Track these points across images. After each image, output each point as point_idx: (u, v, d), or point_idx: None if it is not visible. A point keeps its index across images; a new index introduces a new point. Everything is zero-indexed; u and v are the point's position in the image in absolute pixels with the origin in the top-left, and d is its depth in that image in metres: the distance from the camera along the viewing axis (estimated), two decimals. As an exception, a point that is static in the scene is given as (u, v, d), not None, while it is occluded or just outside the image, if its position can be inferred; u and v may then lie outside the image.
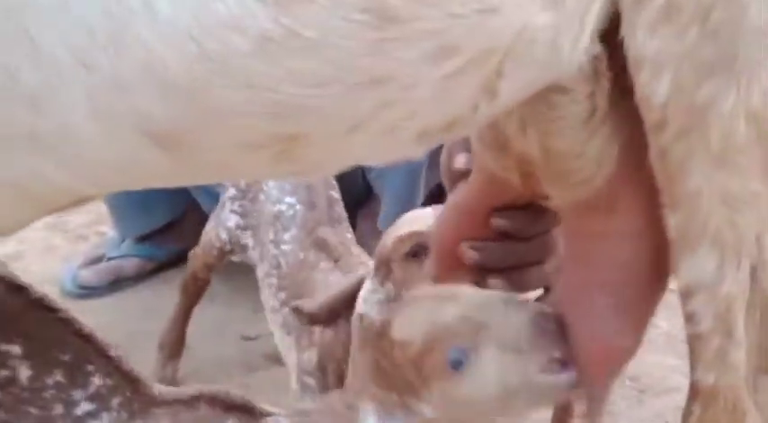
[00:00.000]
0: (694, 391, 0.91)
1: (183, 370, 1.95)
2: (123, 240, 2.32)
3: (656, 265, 0.91)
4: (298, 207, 1.64)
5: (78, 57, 0.68)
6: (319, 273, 1.56)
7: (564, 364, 0.94)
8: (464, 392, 0.94)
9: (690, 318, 0.89)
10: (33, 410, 1.00)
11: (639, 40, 0.79)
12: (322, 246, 1.58)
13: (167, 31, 0.67)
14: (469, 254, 1.06)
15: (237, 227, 1.74)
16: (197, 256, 1.88)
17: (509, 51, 0.75)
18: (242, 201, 1.74)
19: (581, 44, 0.79)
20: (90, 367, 1.02)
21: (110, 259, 2.29)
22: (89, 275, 2.25)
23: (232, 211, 1.75)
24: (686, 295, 0.88)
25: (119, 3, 0.67)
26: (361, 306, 1.31)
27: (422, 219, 1.27)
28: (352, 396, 1.02)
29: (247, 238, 1.73)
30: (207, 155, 0.75)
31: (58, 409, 1.00)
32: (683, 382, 1.76)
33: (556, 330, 0.94)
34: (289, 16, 0.68)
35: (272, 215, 1.66)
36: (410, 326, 0.97)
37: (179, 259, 2.31)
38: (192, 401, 1.05)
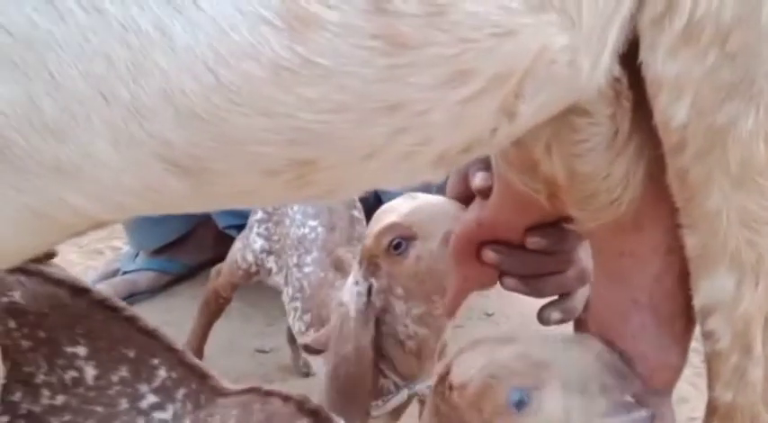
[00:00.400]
0: (712, 409, 0.91)
1: (198, 383, 1.94)
2: (137, 254, 2.33)
3: (689, 278, 0.90)
4: (319, 229, 1.64)
5: (98, 87, 0.68)
6: (336, 291, 1.56)
7: (633, 405, 0.92)
8: None
9: (708, 336, 0.89)
10: (99, 408, 1.00)
11: (659, 63, 0.79)
12: (339, 265, 1.58)
13: (185, 60, 0.68)
14: (489, 255, 1.07)
15: (263, 250, 1.74)
16: (222, 273, 1.87)
17: (528, 73, 0.75)
18: (268, 224, 1.74)
19: (601, 64, 0.79)
20: (155, 361, 1.03)
21: (124, 273, 2.30)
22: (105, 290, 2.25)
23: (258, 235, 1.75)
24: (705, 314, 0.88)
25: (137, 33, 0.67)
26: (343, 294, 1.35)
27: (395, 209, 1.28)
28: None
29: (271, 263, 1.73)
30: (226, 181, 0.75)
31: (123, 404, 1.01)
32: (692, 393, 1.75)
33: (624, 369, 0.93)
34: (302, 44, 0.68)
35: (296, 239, 1.65)
36: (467, 368, 0.96)
37: (192, 272, 2.33)
38: (266, 396, 1.05)
